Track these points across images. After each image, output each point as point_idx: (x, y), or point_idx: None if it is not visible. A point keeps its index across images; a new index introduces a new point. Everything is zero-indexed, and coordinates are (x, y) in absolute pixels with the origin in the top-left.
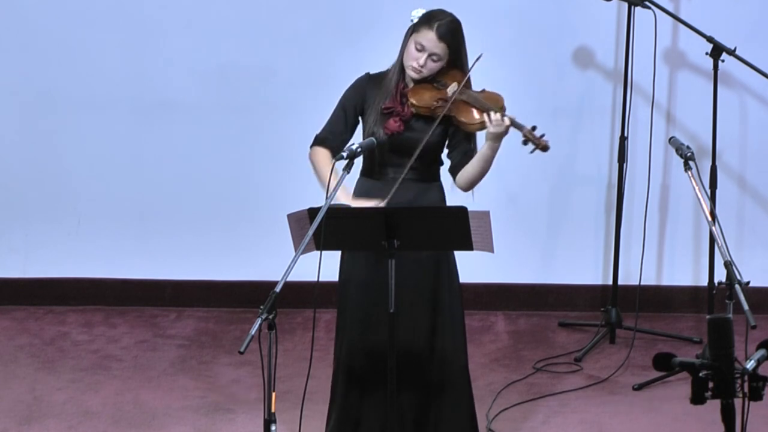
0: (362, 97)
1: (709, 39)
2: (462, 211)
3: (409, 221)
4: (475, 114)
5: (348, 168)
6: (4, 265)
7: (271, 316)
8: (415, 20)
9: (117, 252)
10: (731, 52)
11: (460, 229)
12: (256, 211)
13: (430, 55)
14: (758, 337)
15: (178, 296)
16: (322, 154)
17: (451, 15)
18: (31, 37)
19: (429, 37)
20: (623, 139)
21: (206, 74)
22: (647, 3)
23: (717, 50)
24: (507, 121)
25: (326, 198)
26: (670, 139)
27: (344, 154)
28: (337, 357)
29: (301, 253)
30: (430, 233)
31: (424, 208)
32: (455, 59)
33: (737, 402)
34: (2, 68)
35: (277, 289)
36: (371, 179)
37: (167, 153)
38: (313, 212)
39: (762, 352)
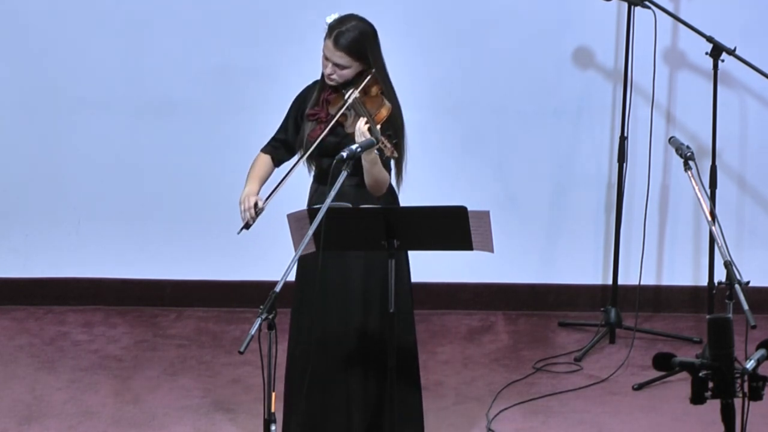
0: (302, 105)
1: (709, 39)
2: (462, 210)
3: (409, 221)
4: (356, 123)
5: (348, 167)
6: (4, 265)
7: (271, 316)
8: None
9: (117, 252)
10: (731, 52)
11: (460, 229)
12: None
13: (335, 64)
14: (758, 337)
15: (178, 296)
16: (258, 161)
17: (354, 21)
18: (31, 36)
19: (329, 47)
20: (623, 139)
21: (206, 74)
22: (647, 3)
23: (717, 50)
24: (364, 128)
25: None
26: (670, 139)
27: (344, 155)
28: (292, 358)
29: (301, 253)
30: (429, 233)
31: (424, 208)
32: (365, 65)
33: (737, 402)
34: (2, 68)
35: (277, 289)
36: (319, 184)
37: (167, 153)
38: (313, 212)
39: (762, 352)
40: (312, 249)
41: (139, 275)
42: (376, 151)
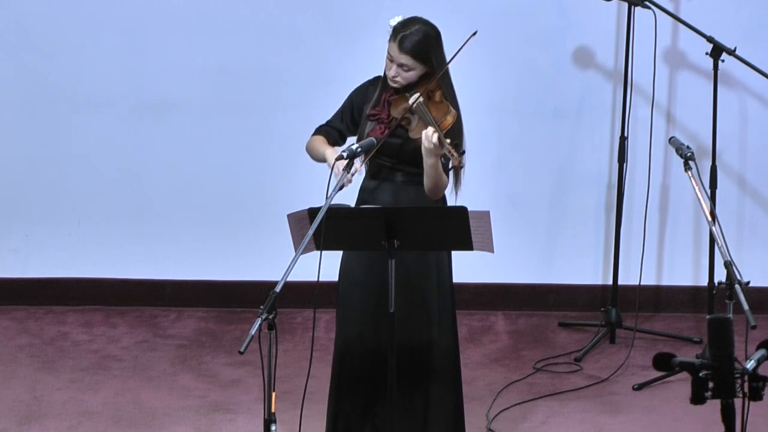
0: (363, 98)
1: (709, 39)
2: (462, 211)
3: (409, 221)
4: (421, 128)
5: (348, 167)
6: (4, 265)
7: (271, 316)
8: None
9: (117, 252)
10: (731, 52)
11: (460, 229)
12: (255, 211)
13: (400, 66)
14: (758, 337)
15: (178, 296)
16: (317, 138)
17: (418, 24)
18: (31, 36)
19: (394, 49)
20: (623, 139)
21: (206, 74)
22: (647, 3)
23: (717, 50)
24: (434, 139)
25: (326, 196)
26: (670, 139)
27: (344, 154)
28: (341, 357)
29: (301, 253)
30: (430, 233)
31: (424, 208)
32: (429, 67)
33: (737, 402)
34: (2, 68)
35: (277, 289)
36: (370, 179)
37: (167, 153)
38: (313, 212)
39: (762, 352)
40: (312, 249)
41: (139, 275)
42: (441, 158)
